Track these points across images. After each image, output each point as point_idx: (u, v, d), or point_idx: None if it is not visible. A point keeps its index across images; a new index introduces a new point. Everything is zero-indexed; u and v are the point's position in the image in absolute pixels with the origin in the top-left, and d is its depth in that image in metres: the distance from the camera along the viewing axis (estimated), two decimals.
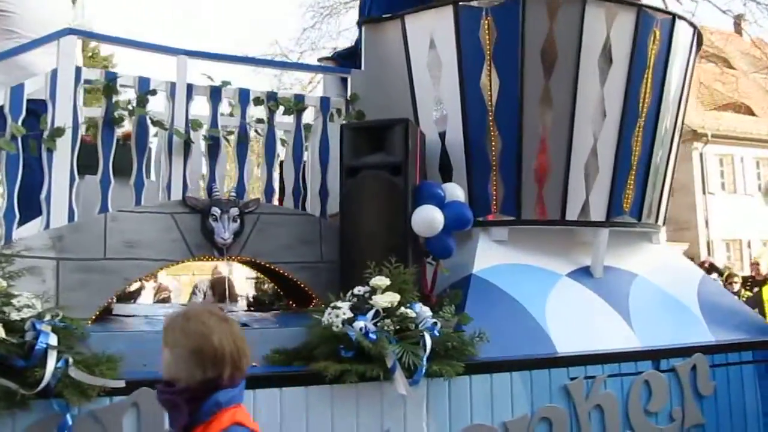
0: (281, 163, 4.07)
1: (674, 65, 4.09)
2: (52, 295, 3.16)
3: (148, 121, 3.47)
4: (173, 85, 3.57)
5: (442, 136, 3.94)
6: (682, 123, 4.51)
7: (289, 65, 4.89)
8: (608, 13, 3.78)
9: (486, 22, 3.75)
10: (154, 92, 3.46)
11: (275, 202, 3.91)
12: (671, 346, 3.65)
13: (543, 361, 3.30)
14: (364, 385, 2.90)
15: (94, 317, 3.19)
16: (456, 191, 3.69)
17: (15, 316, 2.51)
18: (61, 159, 3.25)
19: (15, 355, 2.40)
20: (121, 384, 2.52)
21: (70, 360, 2.44)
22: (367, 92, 4.10)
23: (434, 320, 3.16)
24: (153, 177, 4.18)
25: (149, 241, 3.42)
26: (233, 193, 3.64)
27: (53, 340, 2.45)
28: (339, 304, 3.06)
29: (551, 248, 3.98)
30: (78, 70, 3.30)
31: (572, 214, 3.88)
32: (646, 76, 3.89)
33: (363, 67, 4.11)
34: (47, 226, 3.21)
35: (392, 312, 3.09)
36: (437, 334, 3.10)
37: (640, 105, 3.90)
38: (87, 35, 3.58)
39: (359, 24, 4.12)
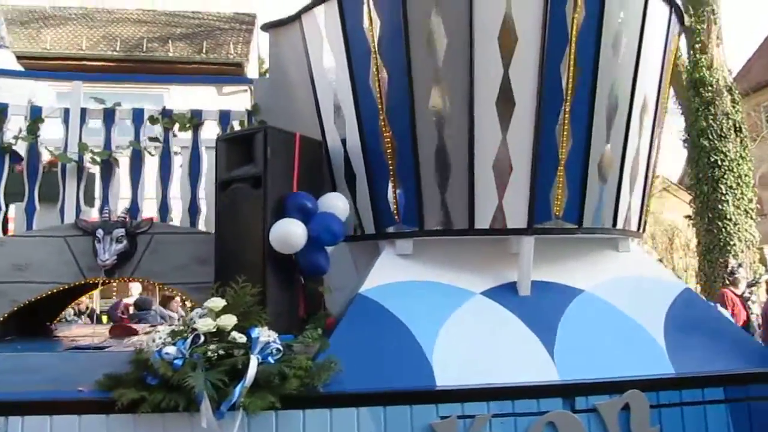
0: None
1: (624, 37, 3.43)
2: None
3: (40, 148, 3.66)
4: (67, 110, 3.74)
5: (344, 142, 3.67)
6: (662, 108, 3.77)
7: (181, 79, 4.87)
8: None
9: (368, 11, 3.44)
10: (41, 120, 3.64)
11: (177, 221, 3.89)
12: (595, 380, 3.01)
13: (399, 395, 2.87)
14: (172, 416, 2.73)
15: None
16: (336, 202, 3.41)
17: None
18: None
19: None
20: None
21: None
22: (274, 101, 3.95)
23: (277, 346, 2.91)
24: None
25: (40, 264, 3.58)
26: (121, 215, 3.70)
27: None
28: (160, 328, 2.94)
29: (471, 261, 3.50)
30: None
31: (483, 221, 3.38)
32: (567, 52, 3.30)
33: (268, 75, 3.97)
34: None
35: (224, 337, 2.91)
36: (271, 362, 2.86)
37: (565, 87, 3.30)
38: None
39: (263, 29, 3.99)
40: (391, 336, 3.15)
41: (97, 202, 3.84)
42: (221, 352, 2.84)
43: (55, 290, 3.59)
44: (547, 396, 2.94)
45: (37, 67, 10.40)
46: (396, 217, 3.53)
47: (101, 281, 3.69)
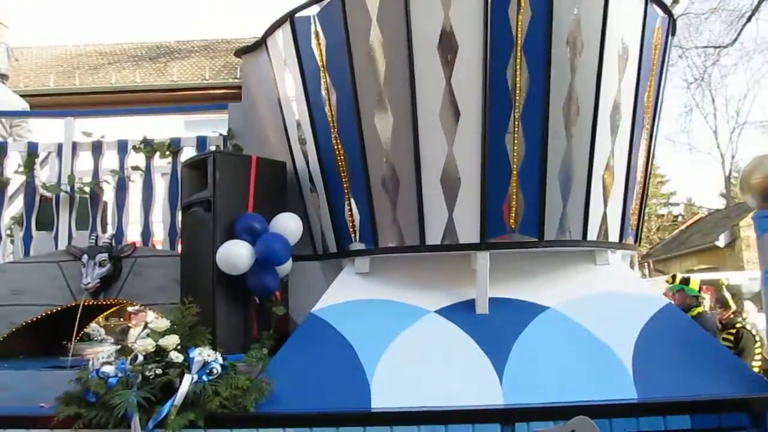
0: None
1: (581, 35, 3.25)
2: None
3: (36, 182, 4.03)
4: (60, 145, 4.09)
5: (306, 162, 3.73)
6: (647, 108, 3.51)
7: (164, 110, 5.09)
8: None
9: (315, 31, 3.50)
10: (36, 155, 4.01)
11: (160, 245, 4.12)
12: (538, 404, 2.84)
13: (326, 417, 2.86)
14: None
15: None
16: (288, 222, 3.48)
17: None
18: None
19: None
20: None
21: None
22: (247, 124, 4.10)
23: (217, 366, 3.01)
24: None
25: (36, 288, 3.93)
26: (106, 240, 3.97)
27: None
28: (107, 347, 3.13)
29: (431, 279, 3.44)
30: None
31: (434, 237, 3.30)
32: (514, 56, 3.17)
33: (242, 99, 4.13)
34: None
35: (164, 357, 3.05)
36: (204, 380, 2.96)
37: (512, 93, 3.17)
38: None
39: (236, 55, 4.15)
40: (334, 356, 3.16)
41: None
42: (158, 371, 3.00)
43: (48, 312, 3.92)
44: (484, 421, 2.81)
45: (165, 99, 11.42)
46: (353, 235, 3.54)
47: (88, 303, 3.96)
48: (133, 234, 4.07)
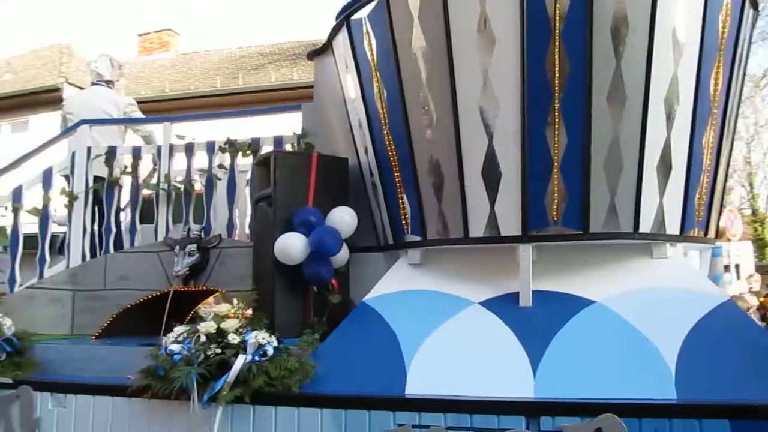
0: None
1: (628, 20, 3.12)
2: (69, 318, 4.53)
3: (139, 181, 4.59)
4: (159, 147, 4.62)
5: (367, 158, 3.93)
6: (714, 92, 3.30)
7: (247, 113, 5.33)
8: None
9: (366, 32, 3.67)
10: (139, 157, 4.57)
11: (243, 237, 4.50)
12: (565, 400, 2.82)
13: (358, 400, 3.04)
14: (179, 403, 3.29)
15: (97, 334, 4.39)
16: (343, 215, 3.70)
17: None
18: (77, 216, 4.63)
19: None
20: (8, 381, 3.60)
21: None
22: (319, 123, 4.36)
23: (270, 348, 3.31)
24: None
25: (139, 275, 4.50)
26: (196, 232, 4.43)
27: None
28: (178, 328, 3.52)
29: (479, 271, 3.50)
30: (89, 149, 4.65)
31: (477, 230, 3.36)
32: (552, 45, 3.12)
33: (314, 100, 4.39)
34: (68, 265, 4.59)
35: (224, 337, 3.40)
36: (257, 359, 3.27)
37: (551, 84, 3.13)
38: (95, 122, 4.91)
39: (308, 57, 4.40)
40: (377, 343, 3.34)
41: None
42: (217, 351, 3.36)
43: (148, 297, 4.46)
44: (509, 413, 2.85)
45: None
46: (406, 228, 3.69)
47: (179, 289, 4.44)
48: (219, 227, 4.51)
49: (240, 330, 3.40)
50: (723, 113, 3.50)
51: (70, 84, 13.42)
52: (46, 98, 13.33)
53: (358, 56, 3.77)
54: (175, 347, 3.38)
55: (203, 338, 3.39)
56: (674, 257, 3.36)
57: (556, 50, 3.13)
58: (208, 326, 3.42)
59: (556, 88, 3.15)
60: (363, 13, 3.69)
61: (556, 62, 3.14)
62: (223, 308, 3.49)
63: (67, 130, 4.86)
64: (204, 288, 4.40)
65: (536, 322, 3.22)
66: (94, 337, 4.31)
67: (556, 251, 3.39)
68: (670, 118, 3.26)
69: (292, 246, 3.53)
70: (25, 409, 3.57)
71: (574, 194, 3.21)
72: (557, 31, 3.12)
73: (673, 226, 3.35)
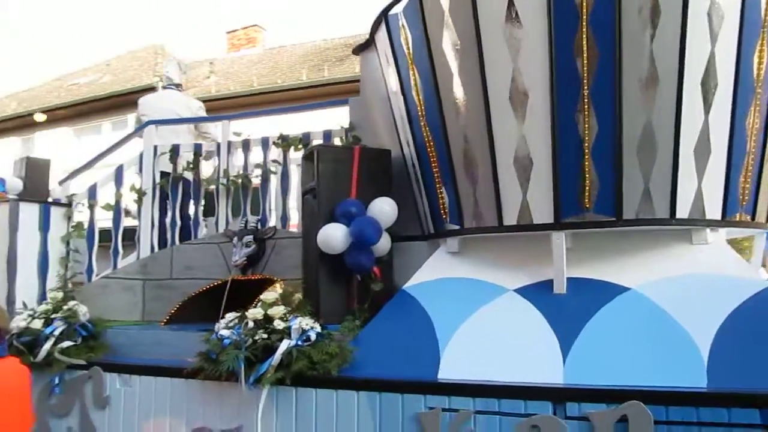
0: None
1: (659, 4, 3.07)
2: (140, 305, 4.90)
3: (201, 176, 4.89)
4: (219, 144, 4.90)
5: (409, 150, 4.03)
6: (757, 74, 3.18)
7: (294, 109, 5.40)
8: None
9: (402, 25, 3.76)
10: (200, 154, 4.86)
11: (295, 228, 4.71)
12: (590, 386, 2.84)
13: (391, 384, 3.18)
14: (229, 384, 3.54)
15: (165, 320, 4.74)
16: (383, 206, 3.83)
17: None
18: (146, 211, 4.98)
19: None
20: (83, 362, 3.97)
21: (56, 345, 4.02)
22: (365, 117, 4.49)
23: (311, 332, 3.50)
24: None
25: (202, 265, 4.82)
26: (252, 224, 4.68)
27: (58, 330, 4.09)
28: (229, 315, 3.76)
29: (516, 258, 3.55)
30: (155, 147, 4.99)
31: (510, 218, 3.40)
32: (579, 31, 3.10)
33: (360, 93, 4.52)
34: (138, 256, 4.96)
35: (271, 323, 3.62)
36: (300, 344, 3.46)
37: (579, 70, 3.12)
38: (159, 122, 5.22)
39: (354, 52, 4.52)
40: (414, 329, 3.45)
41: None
42: (264, 336, 3.58)
43: (210, 285, 4.76)
44: (536, 398, 2.91)
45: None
46: (445, 217, 3.77)
47: (237, 278, 4.71)
48: (274, 218, 4.76)
49: (285, 316, 3.62)
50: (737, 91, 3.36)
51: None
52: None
53: (396, 50, 3.88)
54: (226, 332, 3.62)
55: (251, 324, 3.63)
56: (715, 243, 3.28)
57: (584, 36, 3.12)
58: (255, 313, 3.64)
59: (585, 74, 3.14)
60: (399, 8, 3.78)
61: (585, 48, 3.13)
62: (271, 296, 3.72)
63: (136, 131, 5.24)
64: (261, 277, 4.66)
65: (569, 309, 3.24)
66: (162, 323, 4.66)
67: (593, 238, 3.39)
68: (707, 101, 3.18)
69: (333, 236, 3.70)
70: (96, 388, 3.94)
71: (606, 181, 3.20)
72: (585, 16, 3.11)
73: (713, 211, 3.27)
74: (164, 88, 6.05)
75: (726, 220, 3.31)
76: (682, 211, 3.22)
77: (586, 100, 3.16)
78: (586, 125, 3.18)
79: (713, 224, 3.28)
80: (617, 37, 3.09)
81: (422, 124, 3.77)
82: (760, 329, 2.89)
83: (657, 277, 3.22)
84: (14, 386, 3.23)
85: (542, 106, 3.24)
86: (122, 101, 14.59)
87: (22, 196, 4.86)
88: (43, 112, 15.55)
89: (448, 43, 3.50)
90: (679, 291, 3.13)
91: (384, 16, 3.90)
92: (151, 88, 13.49)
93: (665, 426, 2.69)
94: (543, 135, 3.26)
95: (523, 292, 3.43)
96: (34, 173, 5.19)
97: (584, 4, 3.11)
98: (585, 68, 3.14)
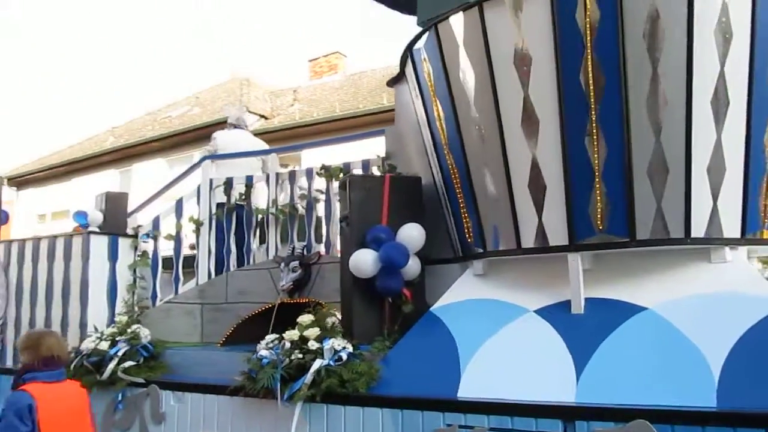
0: None
1: (662, 24, 3.13)
2: (200, 328, 5.28)
3: (253, 207, 5.25)
4: (268, 175, 5.25)
5: (436, 177, 4.21)
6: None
7: (330, 141, 5.57)
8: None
9: (423, 59, 3.96)
10: (251, 185, 5.23)
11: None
12: (598, 404, 2.90)
13: (413, 401, 3.34)
14: (267, 401, 3.80)
15: (222, 341, 5.08)
16: (411, 231, 4.02)
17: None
18: (203, 240, 5.38)
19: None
20: (142, 380, 4.35)
21: (120, 365, 4.42)
22: (399, 146, 4.71)
23: (343, 353, 3.72)
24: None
25: (253, 289, 5.15)
26: (299, 250, 4.97)
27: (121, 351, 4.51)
28: (269, 336, 4.03)
29: (536, 280, 3.64)
30: (211, 180, 5.40)
31: (527, 240, 3.50)
32: (585, 58, 3.20)
33: (395, 124, 4.74)
34: (197, 282, 5.35)
35: (306, 344, 3.86)
36: (332, 364, 3.69)
37: (587, 96, 3.21)
38: (215, 157, 5.63)
39: (388, 84, 4.75)
40: (439, 349, 3.61)
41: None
42: (299, 356, 3.83)
43: (261, 309, 5.08)
44: (546, 416, 3.00)
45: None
46: (470, 240, 3.92)
47: (285, 301, 4.99)
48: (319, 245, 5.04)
49: (319, 337, 3.86)
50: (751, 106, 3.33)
51: (250, 112, 14.35)
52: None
53: (420, 83, 4.09)
54: (264, 353, 3.91)
55: (288, 345, 3.90)
56: (734, 261, 3.27)
57: (590, 62, 3.23)
58: (292, 334, 3.91)
59: (592, 99, 3.25)
60: (421, 43, 4.00)
61: (590, 74, 3.24)
62: (306, 318, 3.97)
63: (193, 167, 5.69)
64: (306, 300, 4.94)
65: (586, 329, 3.31)
66: (219, 344, 5.01)
67: (612, 259, 3.45)
68: (718, 120, 3.20)
69: (363, 261, 3.93)
70: (154, 403, 4.31)
71: (618, 202, 3.27)
72: (589, 43, 3.23)
73: (732, 230, 3.26)
74: (234, 127, 6.54)
75: (746, 238, 3.30)
76: (698, 230, 3.24)
77: (594, 125, 3.26)
78: (596, 149, 3.27)
79: (732, 242, 3.28)
80: (622, 61, 3.19)
81: (446, 152, 3.95)
82: None
83: (674, 297, 3.24)
84: (74, 406, 3.61)
85: (553, 131, 3.36)
86: (211, 132, 15.23)
87: (102, 228, 5.39)
88: (138, 145, 16.60)
89: (463, 75, 3.68)
90: (696, 310, 3.15)
91: (409, 50, 4.13)
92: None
93: None
94: (555, 159, 3.37)
95: (542, 312, 3.52)
96: (113, 206, 5.73)
97: (588, 30, 3.23)
98: (591, 93, 3.25)
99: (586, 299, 3.42)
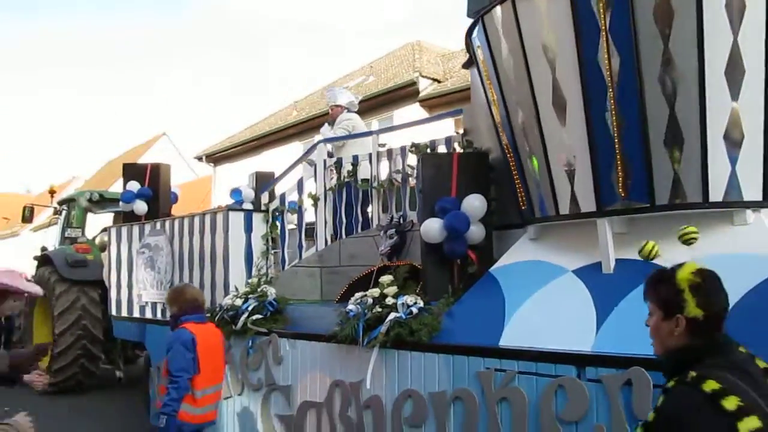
0: None
1: (672, 5, 3.34)
2: (319, 288, 6.22)
3: (358, 183, 6.03)
4: (370, 155, 5.99)
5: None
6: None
7: (424, 121, 5.72)
8: None
9: (478, 47, 4.41)
10: (357, 163, 6.00)
11: None
12: (603, 353, 3.30)
13: (459, 348, 3.94)
14: (352, 347, 4.59)
15: (337, 298, 5.97)
16: (474, 201, 4.54)
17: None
18: (320, 212, 6.26)
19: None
20: (265, 330, 5.36)
21: (250, 317, 5.45)
22: (475, 122, 5.17)
23: (414, 307, 4.41)
24: None
25: (362, 254, 5.97)
26: (396, 218, 5.67)
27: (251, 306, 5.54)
28: (357, 294, 4.78)
29: (577, 243, 4.03)
30: (324, 161, 6.26)
31: (563, 208, 3.90)
32: (602, 43, 3.50)
33: (471, 102, 5.20)
34: (316, 249, 6.26)
35: (384, 300, 4.59)
36: (403, 317, 4.38)
37: (605, 76, 3.51)
38: (327, 141, 6.40)
39: (464, 67, 5.18)
40: (491, 304, 4.16)
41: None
42: (379, 309, 4.56)
43: (368, 271, 5.87)
44: (563, 362, 3.47)
45: None
46: (524, 207, 4.38)
47: (384, 264, 5.72)
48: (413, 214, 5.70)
49: (396, 294, 4.58)
50: None
51: (423, 77, 14.70)
52: (405, 93, 14.72)
53: (479, 68, 4.58)
54: (352, 307, 4.71)
55: (370, 300, 4.66)
56: (756, 223, 3.44)
57: (606, 45, 3.55)
58: (373, 292, 4.67)
59: (609, 78, 3.56)
60: (475, 33, 4.47)
61: (606, 56, 3.55)
62: (386, 278, 4.71)
63: (309, 150, 6.57)
64: (403, 263, 5.66)
65: (612, 286, 3.69)
66: (335, 301, 5.91)
67: (642, 223, 3.76)
68: (734, 89, 3.38)
69: (431, 228, 4.55)
70: (274, 349, 5.31)
71: (637, 171, 3.58)
72: (605, 26, 3.54)
73: (752, 193, 3.43)
74: (349, 111, 7.37)
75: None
76: (716, 195, 3.46)
77: (612, 101, 3.59)
78: (615, 124, 3.60)
79: (752, 205, 3.45)
80: (634, 41, 3.47)
81: (500, 130, 4.43)
82: None
83: (696, 255, 3.50)
84: (217, 342, 4.72)
85: (578, 111, 3.73)
86: (386, 99, 15.34)
87: (254, 204, 6.58)
88: (317, 117, 16.47)
89: (506, 62, 4.13)
90: (713, 267, 3.39)
91: (468, 37, 4.61)
92: (411, 84, 14.37)
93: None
94: (581, 134, 3.74)
95: (578, 272, 3.93)
96: (262, 183, 6.90)
97: (602, 16, 3.54)
98: (608, 73, 3.57)
99: (617, 260, 3.78)
